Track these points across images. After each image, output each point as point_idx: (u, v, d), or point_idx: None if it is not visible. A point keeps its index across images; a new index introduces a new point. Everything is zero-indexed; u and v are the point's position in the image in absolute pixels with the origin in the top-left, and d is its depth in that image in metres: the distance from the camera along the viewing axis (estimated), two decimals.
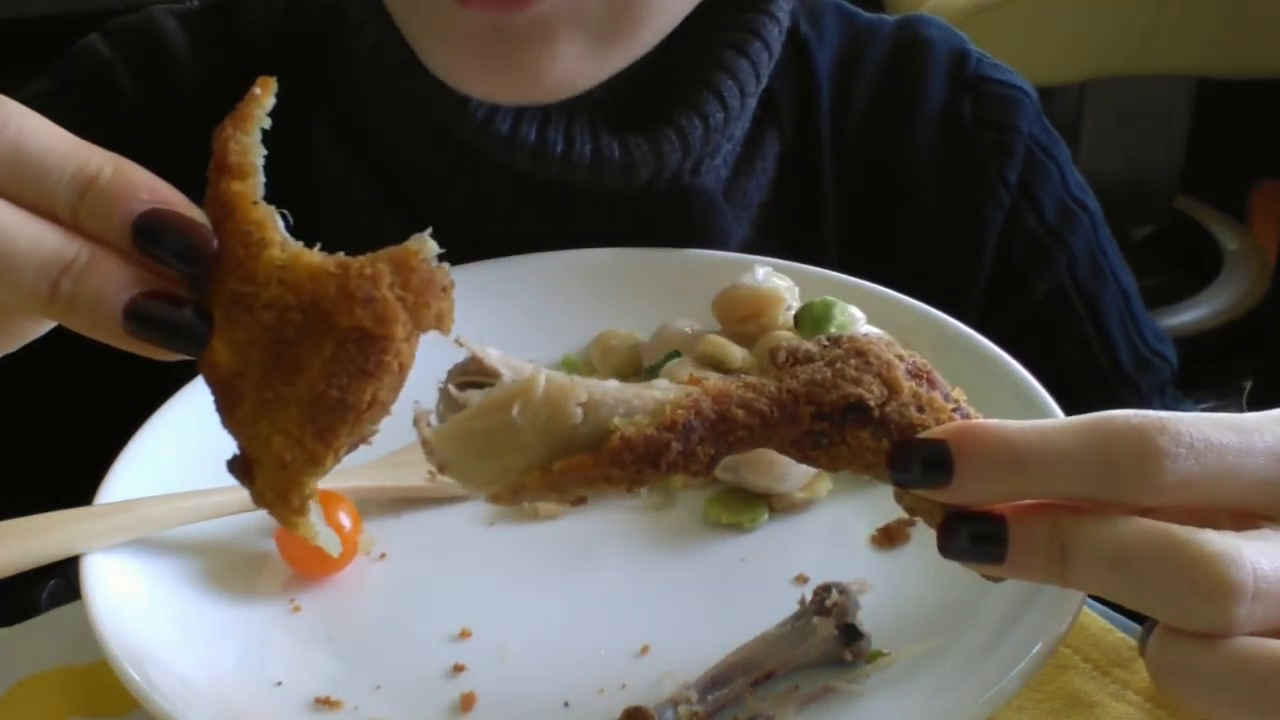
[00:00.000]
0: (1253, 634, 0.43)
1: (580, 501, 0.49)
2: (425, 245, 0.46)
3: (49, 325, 0.52)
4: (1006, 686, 0.52)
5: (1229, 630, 0.43)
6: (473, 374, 0.50)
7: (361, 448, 0.71)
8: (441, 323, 0.46)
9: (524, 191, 0.81)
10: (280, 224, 0.47)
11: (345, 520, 0.64)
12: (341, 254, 0.46)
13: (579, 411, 0.47)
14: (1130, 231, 2.47)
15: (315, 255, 0.46)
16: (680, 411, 0.47)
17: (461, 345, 0.50)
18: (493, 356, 0.49)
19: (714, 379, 0.49)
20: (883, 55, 0.93)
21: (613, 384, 0.48)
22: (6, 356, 0.60)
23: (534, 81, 0.72)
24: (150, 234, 0.45)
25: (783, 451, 0.49)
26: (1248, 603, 0.43)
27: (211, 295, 0.46)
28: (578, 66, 0.72)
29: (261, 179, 0.47)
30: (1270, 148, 2.41)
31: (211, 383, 0.47)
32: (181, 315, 0.46)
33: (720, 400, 0.48)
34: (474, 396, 0.48)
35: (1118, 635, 0.62)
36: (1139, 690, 0.60)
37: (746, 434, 0.48)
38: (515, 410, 0.47)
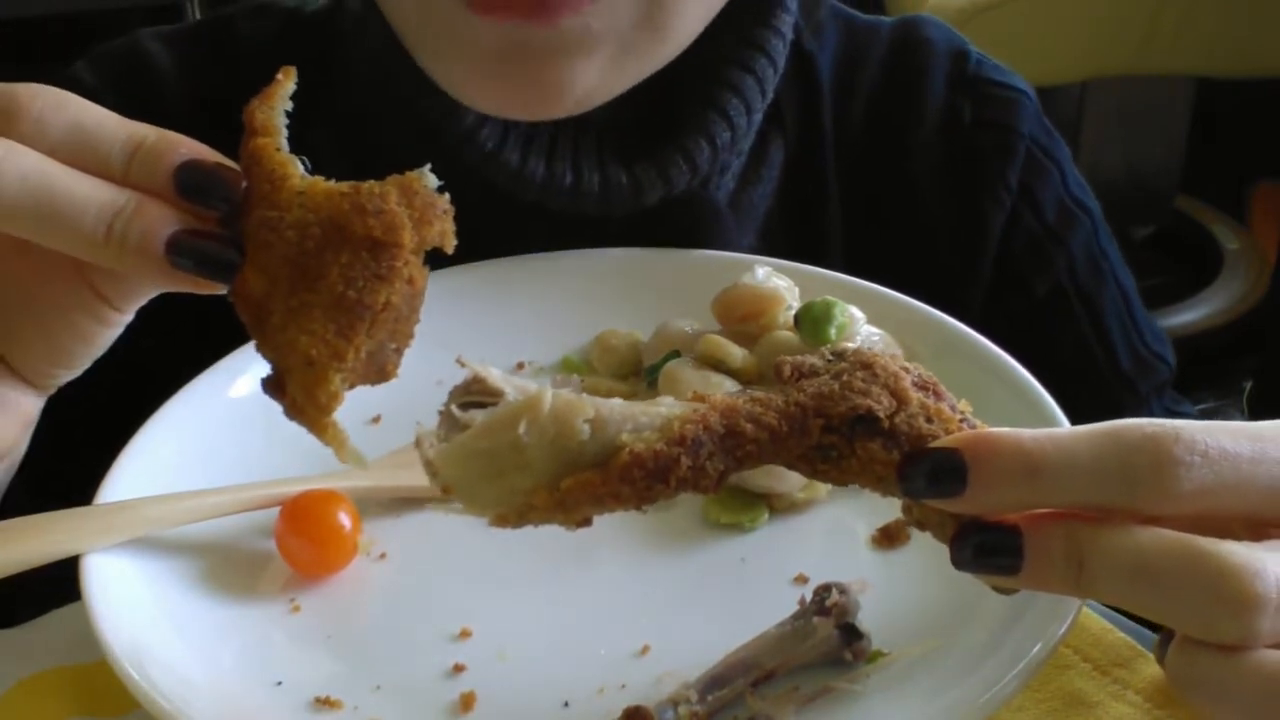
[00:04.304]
0: (1275, 646, 0.43)
1: (585, 523, 0.48)
2: (426, 175, 0.52)
3: (116, 330, 0.59)
4: (1006, 687, 0.52)
5: (1251, 642, 0.43)
6: (475, 394, 0.49)
7: (361, 448, 0.71)
8: (444, 240, 0.52)
9: (531, 215, 0.81)
10: (301, 167, 0.53)
11: (345, 520, 0.64)
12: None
13: (586, 428, 0.47)
14: (1130, 231, 2.47)
15: (331, 183, 0.52)
16: (689, 426, 0.47)
17: (463, 365, 0.50)
18: (495, 376, 0.49)
19: (720, 394, 0.49)
20: (882, 55, 0.93)
21: (618, 401, 0.48)
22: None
23: (552, 101, 0.71)
24: (189, 178, 0.53)
25: (791, 466, 0.49)
26: (1270, 614, 0.42)
27: (242, 230, 0.53)
28: (596, 84, 0.72)
29: (285, 138, 0.54)
30: (1270, 148, 2.41)
31: (245, 311, 0.53)
32: (216, 247, 0.53)
33: (728, 415, 0.48)
34: (478, 416, 0.48)
35: (1118, 635, 0.62)
36: (1139, 690, 0.60)
37: (755, 448, 0.48)
38: (522, 428, 0.46)
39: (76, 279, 0.57)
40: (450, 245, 0.52)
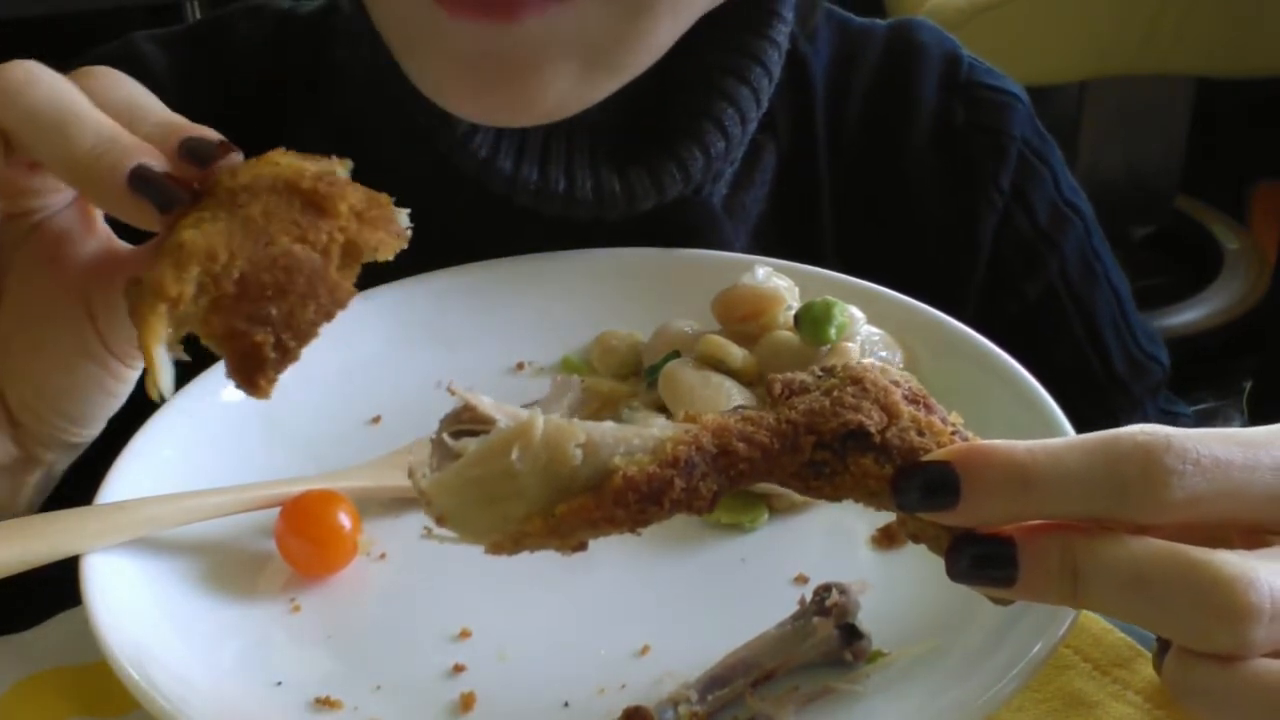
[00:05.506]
0: (1271, 655, 0.43)
1: (580, 548, 0.48)
2: (399, 210, 0.55)
3: (122, 385, 0.63)
4: (1006, 687, 0.52)
5: (1246, 652, 0.43)
6: (466, 422, 0.49)
7: (361, 448, 0.70)
8: (381, 249, 0.54)
9: (524, 219, 0.81)
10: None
11: (345, 520, 0.64)
12: None
13: (579, 453, 0.46)
14: (1130, 231, 2.47)
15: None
16: (681, 447, 0.47)
17: (453, 393, 0.49)
18: (485, 403, 0.49)
19: (711, 415, 0.49)
20: (876, 59, 0.93)
21: (610, 425, 0.48)
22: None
23: (525, 108, 0.71)
24: (191, 144, 0.56)
25: (784, 484, 0.49)
26: (1265, 624, 0.42)
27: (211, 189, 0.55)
28: (569, 91, 0.71)
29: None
30: (1270, 148, 2.41)
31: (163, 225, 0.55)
32: (175, 188, 0.55)
33: (720, 434, 0.48)
34: (470, 444, 0.47)
35: (1118, 635, 0.62)
36: (1139, 690, 0.60)
37: (748, 467, 0.48)
38: (514, 455, 0.46)
39: (83, 319, 0.59)
40: (384, 257, 0.54)
